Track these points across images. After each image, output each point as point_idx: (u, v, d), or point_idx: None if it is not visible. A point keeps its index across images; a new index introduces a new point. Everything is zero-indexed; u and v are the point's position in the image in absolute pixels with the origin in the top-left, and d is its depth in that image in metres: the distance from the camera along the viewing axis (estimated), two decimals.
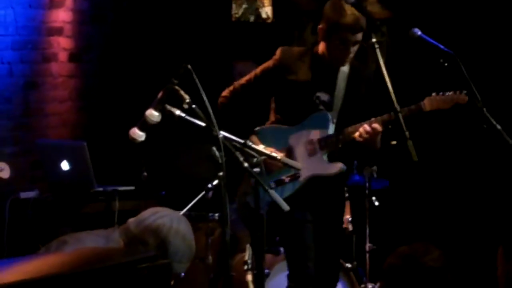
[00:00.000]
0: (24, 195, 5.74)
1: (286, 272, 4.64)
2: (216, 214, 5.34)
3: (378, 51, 4.01)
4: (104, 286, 2.46)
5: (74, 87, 6.59)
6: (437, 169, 6.47)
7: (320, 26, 4.47)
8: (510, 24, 6.23)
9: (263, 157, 3.43)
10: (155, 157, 6.30)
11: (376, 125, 4.36)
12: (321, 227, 4.58)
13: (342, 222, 4.84)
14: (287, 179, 4.25)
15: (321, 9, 4.48)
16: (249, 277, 5.11)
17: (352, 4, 4.22)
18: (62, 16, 6.42)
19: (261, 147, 3.68)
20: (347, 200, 5.66)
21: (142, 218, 3.28)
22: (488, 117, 3.77)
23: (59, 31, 6.41)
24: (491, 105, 3.85)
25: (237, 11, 7.04)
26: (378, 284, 5.53)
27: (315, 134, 4.51)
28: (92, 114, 6.72)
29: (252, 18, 7.04)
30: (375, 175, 5.72)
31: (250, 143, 3.41)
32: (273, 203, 3.41)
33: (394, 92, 3.97)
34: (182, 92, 3.26)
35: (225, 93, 4.65)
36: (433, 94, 4.41)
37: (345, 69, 4.53)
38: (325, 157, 4.53)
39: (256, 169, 3.34)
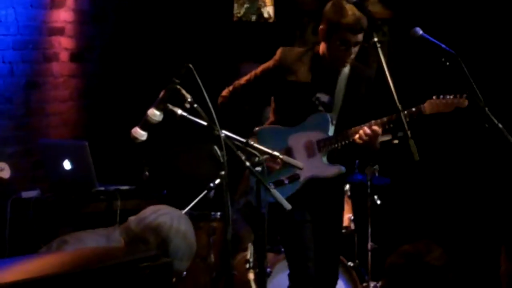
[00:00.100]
0: (25, 194, 5.73)
1: (288, 271, 4.64)
2: (218, 213, 5.34)
3: (380, 50, 4.00)
4: (106, 286, 2.46)
5: (75, 87, 6.58)
6: (439, 167, 6.47)
7: (320, 27, 4.44)
8: (511, 24, 6.23)
9: (265, 156, 3.43)
10: (156, 157, 6.30)
11: (376, 128, 4.35)
12: (320, 227, 4.58)
13: (342, 222, 4.82)
14: (286, 180, 4.25)
15: (322, 9, 4.46)
16: (251, 276, 5.11)
17: (354, 4, 4.21)
18: (63, 16, 6.41)
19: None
20: (349, 199, 5.67)
21: (142, 217, 3.28)
22: (490, 116, 3.77)
23: (60, 31, 6.41)
24: (493, 104, 3.85)
25: (238, 10, 7.04)
26: (380, 283, 5.53)
27: (315, 136, 4.49)
28: (93, 113, 6.71)
29: (253, 18, 7.04)
30: (377, 174, 5.73)
31: (251, 142, 3.41)
32: (273, 204, 3.41)
33: (396, 92, 3.97)
34: (184, 92, 3.26)
35: (224, 92, 4.64)
36: (434, 97, 4.37)
37: (345, 70, 4.51)
38: (324, 159, 4.51)
39: (258, 168, 3.33)
